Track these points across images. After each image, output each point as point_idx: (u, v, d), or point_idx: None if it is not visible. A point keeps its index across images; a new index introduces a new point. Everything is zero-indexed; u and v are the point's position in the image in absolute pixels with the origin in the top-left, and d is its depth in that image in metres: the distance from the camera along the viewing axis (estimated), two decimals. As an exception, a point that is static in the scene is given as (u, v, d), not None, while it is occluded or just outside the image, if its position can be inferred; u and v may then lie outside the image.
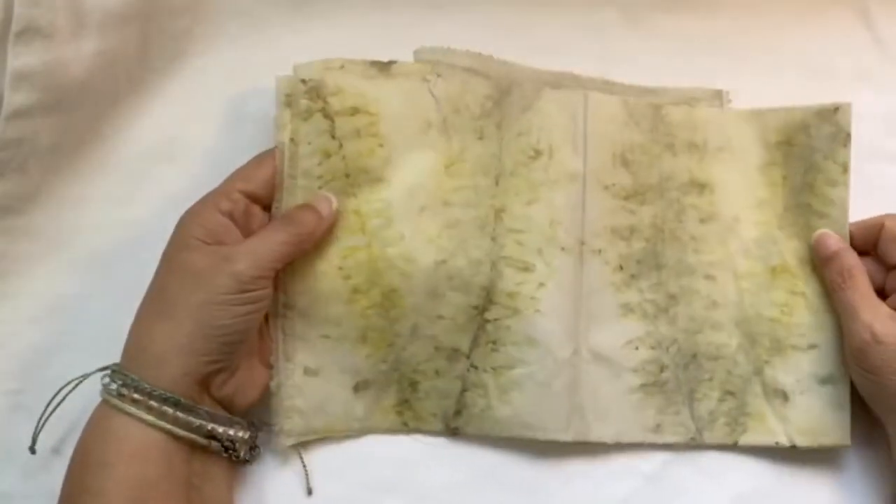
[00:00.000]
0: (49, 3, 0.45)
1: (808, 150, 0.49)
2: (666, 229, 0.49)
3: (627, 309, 0.48)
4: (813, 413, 0.48)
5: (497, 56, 0.50)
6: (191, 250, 0.42)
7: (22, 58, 0.45)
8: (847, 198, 0.48)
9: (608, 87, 0.51)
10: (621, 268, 0.48)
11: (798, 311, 0.48)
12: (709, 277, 0.49)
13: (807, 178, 0.49)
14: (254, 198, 0.45)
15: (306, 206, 0.45)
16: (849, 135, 0.48)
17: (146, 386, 0.41)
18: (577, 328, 0.47)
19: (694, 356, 0.48)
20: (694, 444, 0.48)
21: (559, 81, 0.50)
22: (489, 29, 0.52)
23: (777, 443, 0.48)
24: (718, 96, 0.51)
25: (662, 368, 0.48)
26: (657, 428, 0.48)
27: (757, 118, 0.50)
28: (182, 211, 0.44)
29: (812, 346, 0.48)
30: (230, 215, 0.44)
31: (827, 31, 0.53)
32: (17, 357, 0.48)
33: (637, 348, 0.48)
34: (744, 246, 0.49)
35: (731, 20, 0.53)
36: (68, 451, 0.45)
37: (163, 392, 0.41)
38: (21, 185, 0.48)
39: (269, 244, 0.43)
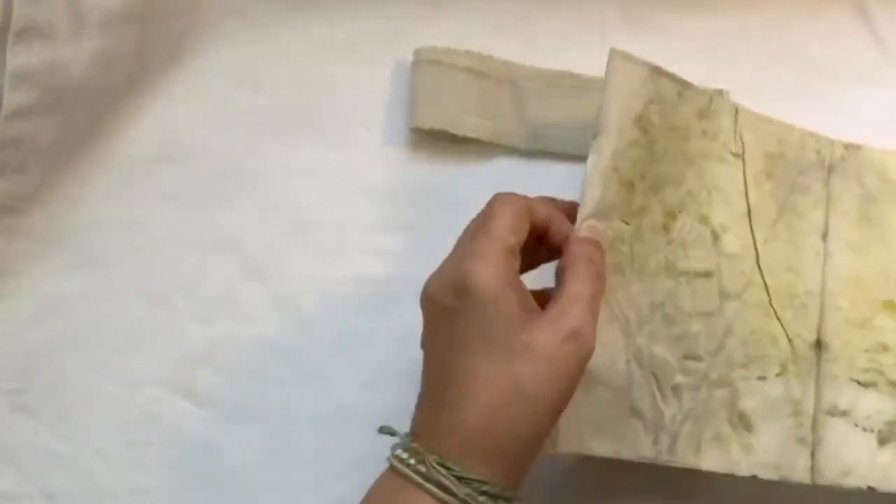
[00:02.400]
0: (49, 2, 0.45)
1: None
2: None
3: None
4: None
5: (497, 55, 0.51)
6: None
7: (21, 57, 0.45)
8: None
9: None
10: None
11: None
12: None
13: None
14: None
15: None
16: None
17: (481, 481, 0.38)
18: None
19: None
20: None
21: (559, 80, 0.50)
22: (489, 28, 0.52)
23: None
24: (719, 95, 0.51)
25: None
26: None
27: None
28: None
29: None
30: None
31: (827, 30, 0.53)
32: (16, 357, 0.47)
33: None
34: None
35: (731, 20, 0.53)
36: (66, 451, 0.46)
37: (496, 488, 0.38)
38: (21, 184, 0.48)
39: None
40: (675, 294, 0.45)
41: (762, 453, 0.45)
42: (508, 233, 0.40)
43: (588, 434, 0.43)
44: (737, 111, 0.47)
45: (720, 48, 0.53)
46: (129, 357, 0.47)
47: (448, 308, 0.39)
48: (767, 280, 0.46)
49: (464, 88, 0.50)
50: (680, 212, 0.46)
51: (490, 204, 0.42)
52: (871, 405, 0.46)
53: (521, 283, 0.40)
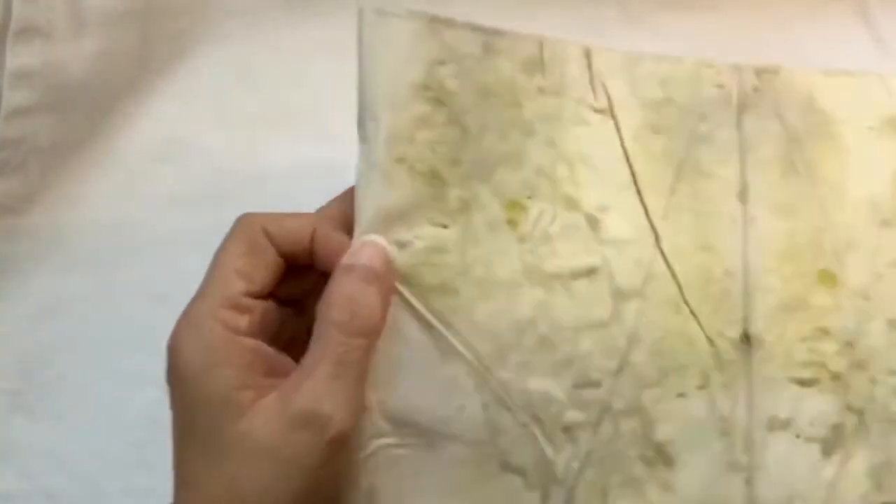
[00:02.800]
0: (48, 2, 0.46)
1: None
2: None
3: None
4: None
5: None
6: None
7: (21, 57, 0.45)
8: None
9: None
10: None
11: None
12: None
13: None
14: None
15: None
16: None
17: None
18: None
19: None
20: None
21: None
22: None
23: None
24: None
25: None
26: None
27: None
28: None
29: None
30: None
31: (827, 30, 0.53)
32: (16, 357, 0.47)
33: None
34: None
35: (731, 19, 0.53)
36: (66, 451, 0.46)
37: None
38: (21, 185, 0.48)
39: None
40: (547, 306, 0.35)
41: (685, 489, 0.36)
42: (233, 277, 0.32)
43: (444, 501, 0.34)
44: (589, 54, 0.37)
45: (720, 48, 0.53)
46: (129, 357, 0.47)
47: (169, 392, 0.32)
48: (675, 266, 0.36)
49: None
50: (530, 198, 0.35)
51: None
52: (815, 408, 0.37)
53: (249, 345, 0.32)
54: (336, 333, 0.31)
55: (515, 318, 0.34)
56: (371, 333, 0.32)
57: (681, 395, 0.36)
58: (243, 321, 0.32)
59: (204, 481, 0.31)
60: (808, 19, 0.53)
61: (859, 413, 0.37)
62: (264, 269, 0.33)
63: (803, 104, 0.39)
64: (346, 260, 0.32)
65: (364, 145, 0.34)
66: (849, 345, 0.37)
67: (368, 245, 0.32)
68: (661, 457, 0.36)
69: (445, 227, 0.34)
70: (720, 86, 0.38)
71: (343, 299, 0.31)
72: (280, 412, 0.30)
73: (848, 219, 0.38)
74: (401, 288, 0.33)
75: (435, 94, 0.34)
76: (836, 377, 0.37)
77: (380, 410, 0.33)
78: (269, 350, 0.32)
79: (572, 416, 0.35)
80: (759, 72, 0.39)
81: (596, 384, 0.35)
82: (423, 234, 0.34)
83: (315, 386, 0.30)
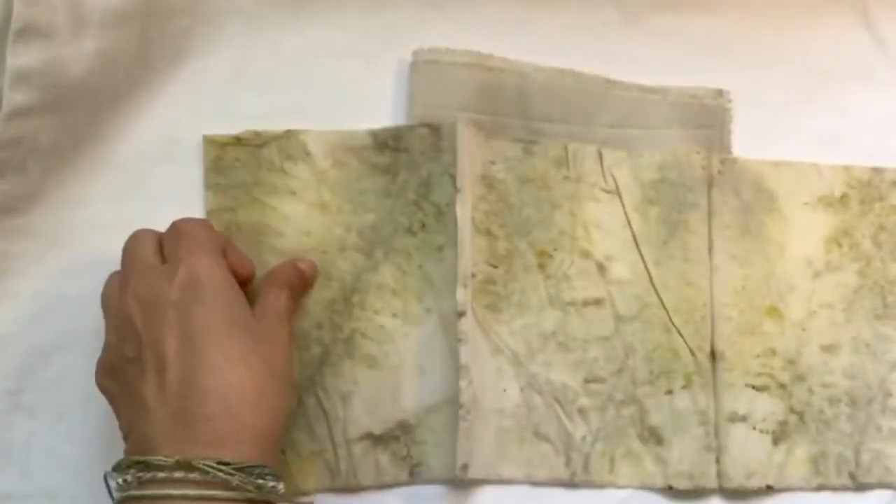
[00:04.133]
0: (49, 2, 0.45)
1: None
2: None
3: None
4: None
5: (497, 56, 0.51)
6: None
7: (22, 57, 0.45)
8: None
9: (609, 85, 0.51)
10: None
11: None
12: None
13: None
14: None
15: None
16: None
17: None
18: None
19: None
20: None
21: (561, 76, 0.51)
22: (489, 29, 0.52)
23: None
24: (719, 95, 0.51)
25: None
26: None
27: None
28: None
29: None
30: None
31: (827, 31, 0.53)
32: (17, 357, 0.47)
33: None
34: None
35: (731, 20, 0.53)
36: (66, 451, 0.45)
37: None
38: (21, 185, 0.47)
39: None
40: (565, 323, 0.49)
41: (676, 464, 0.48)
42: (213, 239, 0.43)
43: (495, 461, 0.47)
44: (600, 154, 0.50)
45: (720, 48, 0.53)
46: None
47: (175, 302, 0.39)
48: (664, 298, 0.49)
49: (463, 85, 0.50)
50: (555, 250, 0.49)
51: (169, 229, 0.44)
52: (766, 408, 0.49)
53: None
54: (289, 275, 0.46)
55: (541, 331, 0.49)
56: (303, 283, 0.47)
57: (669, 392, 0.49)
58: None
59: (250, 357, 0.39)
60: (808, 19, 0.53)
61: (800, 414, 0.49)
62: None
63: (754, 185, 0.51)
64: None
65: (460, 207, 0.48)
66: (791, 362, 0.50)
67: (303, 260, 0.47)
68: (654, 437, 0.48)
69: (495, 267, 0.49)
70: (703, 167, 0.51)
71: (284, 270, 0.46)
72: (279, 320, 0.43)
73: (789, 269, 0.50)
74: (472, 304, 0.47)
75: (489, 182, 0.49)
76: (781, 386, 0.49)
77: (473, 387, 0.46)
78: None
79: (584, 401, 0.48)
80: (724, 160, 0.51)
81: (602, 380, 0.48)
82: (481, 270, 0.48)
83: (286, 301, 0.44)
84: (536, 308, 0.49)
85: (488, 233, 0.49)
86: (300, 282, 0.46)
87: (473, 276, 0.48)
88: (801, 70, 0.53)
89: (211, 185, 0.48)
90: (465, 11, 0.52)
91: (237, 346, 0.40)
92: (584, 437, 0.48)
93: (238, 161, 0.48)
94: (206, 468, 0.36)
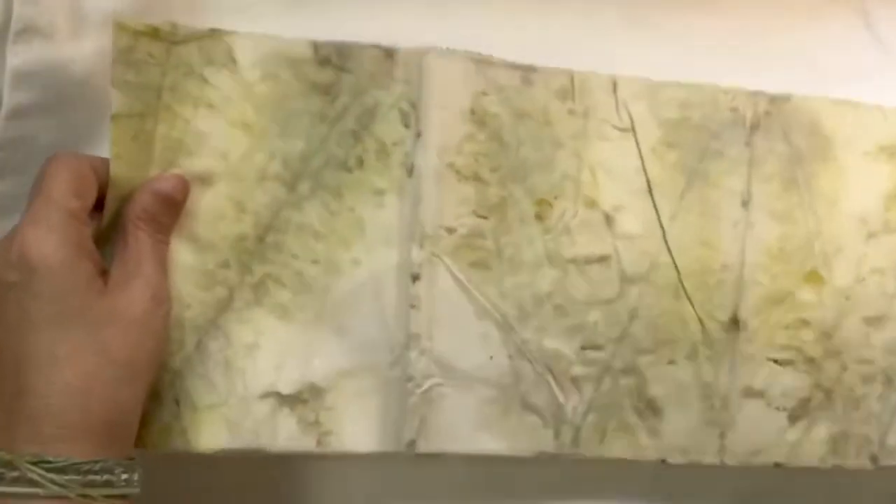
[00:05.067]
0: (49, 2, 0.45)
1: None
2: None
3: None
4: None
5: (497, 56, 0.50)
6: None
7: (21, 57, 0.45)
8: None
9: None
10: None
11: None
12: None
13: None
14: None
15: None
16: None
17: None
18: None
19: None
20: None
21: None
22: (489, 29, 0.52)
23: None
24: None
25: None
26: None
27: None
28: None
29: None
30: None
31: (827, 31, 0.54)
32: (16, 357, 0.47)
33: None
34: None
35: (731, 20, 0.53)
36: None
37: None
38: (21, 185, 0.47)
39: None
40: (563, 283, 0.44)
41: (670, 437, 0.45)
42: (69, 195, 0.39)
43: (476, 432, 0.43)
44: (615, 84, 0.45)
45: (720, 48, 0.53)
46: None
47: (10, 285, 0.37)
48: (677, 258, 0.44)
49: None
50: (556, 197, 0.43)
51: (44, 165, 0.40)
52: (788, 383, 0.46)
53: (93, 248, 0.39)
54: (147, 232, 0.40)
55: (535, 291, 0.44)
56: (165, 232, 0.41)
57: (671, 362, 0.45)
58: (85, 229, 0.39)
59: (78, 352, 0.37)
60: (808, 19, 0.53)
61: (827, 392, 0.46)
62: (92, 195, 0.40)
63: (808, 128, 0.45)
64: (145, 190, 0.41)
65: (420, 151, 0.42)
66: (826, 335, 0.46)
67: (169, 177, 0.42)
68: (651, 409, 0.45)
69: (485, 217, 0.43)
70: (734, 109, 0.45)
71: (139, 212, 0.40)
72: (140, 292, 0.39)
73: (838, 229, 0.45)
74: (447, 261, 0.42)
75: (479, 118, 0.43)
76: (810, 360, 0.46)
77: (431, 356, 0.42)
78: (98, 255, 0.40)
79: (578, 370, 0.44)
80: (773, 98, 0.45)
81: (600, 348, 0.44)
82: (465, 223, 0.42)
83: (154, 272, 0.40)
84: (532, 265, 0.43)
85: (476, 178, 0.43)
86: (166, 208, 0.41)
87: (453, 230, 0.42)
88: (802, 71, 0.53)
89: (118, 82, 0.41)
90: (465, 11, 0.52)
91: (66, 340, 0.37)
92: (575, 408, 0.44)
93: (151, 58, 0.41)
94: (26, 468, 0.35)
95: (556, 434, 0.44)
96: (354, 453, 0.43)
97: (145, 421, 0.41)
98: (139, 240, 0.40)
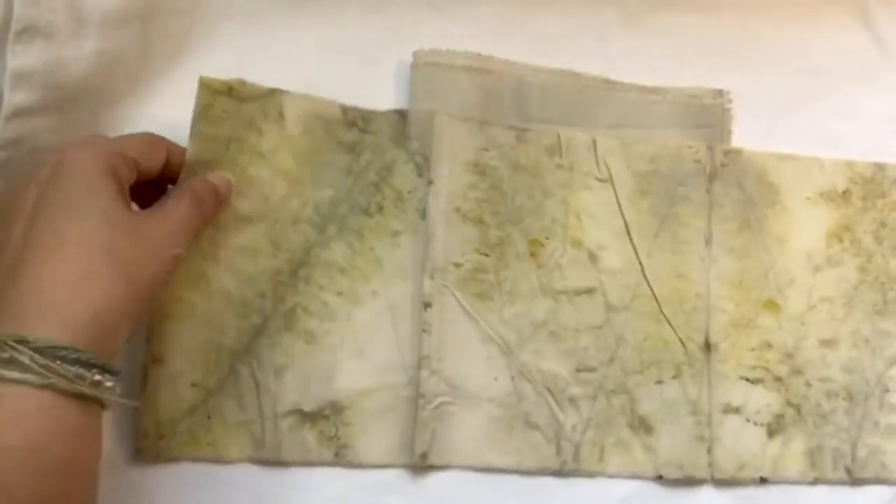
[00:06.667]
0: (49, 2, 0.45)
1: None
2: None
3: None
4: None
5: (497, 56, 0.51)
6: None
7: (22, 57, 0.45)
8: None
9: (609, 86, 0.51)
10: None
11: None
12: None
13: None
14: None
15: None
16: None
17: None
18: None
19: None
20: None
21: (561, 77, 0.51)
22: (489, 29, 0.52)
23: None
24: (719, 95, 0.52)
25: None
26: None
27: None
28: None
29: None
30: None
31: (827, 31, 0.54)
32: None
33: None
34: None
35: (731, 20, 0.53)
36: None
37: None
38: (21, 185, 0.47)
39: None
40: (556, 312, 0.49)
41: (665, 453, 0.48)
42: (131, 144, 0.41)
43: (484, 449, 0.47)
44: (594, 142, 0.50)
45: (720, 48, 0.53)
46: (128, 356, 0.47)
47: (40, 182, 0.39)
48: (655, 289, 0.49)
49: (463, 88, 0.50)
50: (547, 238, 0.49)
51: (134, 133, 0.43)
52: (761, 400, 0.49)
53: (127, 193, 0.40)
54: (193, 199, 0.43)
55: (532, 319, 0.49)
56: (207, 211, 0.44)
57: (659, 381, 0.49)
58: (127, 173, 0.40)
59: (86, 240, 0.37)
60: (808, 19, 0.54)
61: (797, 407, 0.49)
62: (154, 160, 0.43)
63: (757, 178, 0.51)
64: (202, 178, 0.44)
65: (431, 197, 0.48)
66: (788, 356, 0.50)
67: (218, 176, 0.45)
68: (644, 426, 0.48)
69: (486, 255, 0.48)
70: (697, 161, 0.51)
71: (193, 187, 0.43)
72: (163, 223, 0.40)
73: (789, 263, 0.51)
74: (455, 292, 0.48)
75: (481, 169, 0.49)
76: (777, 379, 0.50)
77: (441, 376, 0.47)
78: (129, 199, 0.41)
79: (575, 390, 0.48)
80: (727, 151, 0.51)
81: (592, 370, 0.48)
82: (470, 259, 0.48)
83: (185, 217, 0.42)
84: (528, 296, 0.49)
85: (479, 221, 0.49)
86: (210, 194, 0.44)
87: (460, 265, 0.48)
88: (801, 70, 0.53)
89: (196, 133, 0.45)
90: (465, 11, 0.52)
91: (79, 228, 0.37)
92: (574, 426, 0.48)
93: (225, 113, 0.46)
94: (8, 346, 0.34)
95: (558, 451, 0.48)
96: (368, 464, 0.46)
97: (176, 430, 0.45)
98: (182, 198, 0.42)
